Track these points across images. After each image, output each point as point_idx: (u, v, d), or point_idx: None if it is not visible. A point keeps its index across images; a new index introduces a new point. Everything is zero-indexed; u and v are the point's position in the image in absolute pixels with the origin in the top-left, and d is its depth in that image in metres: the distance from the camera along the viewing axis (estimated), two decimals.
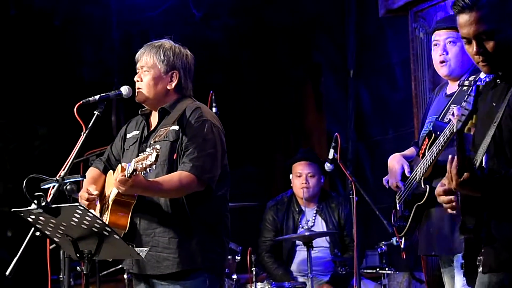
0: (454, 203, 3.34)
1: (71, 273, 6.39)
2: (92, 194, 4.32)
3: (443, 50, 4.53)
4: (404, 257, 4.73)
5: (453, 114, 4.10)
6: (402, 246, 4.66)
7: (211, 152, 4.29)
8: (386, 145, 8.12)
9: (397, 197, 4.65)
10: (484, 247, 3.21)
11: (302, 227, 6.80)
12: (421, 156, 4.45)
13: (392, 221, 4.75)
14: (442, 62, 4.54)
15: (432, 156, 4.31)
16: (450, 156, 3.12)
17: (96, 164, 4.67)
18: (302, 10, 8.73)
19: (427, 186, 4.39)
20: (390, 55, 8.23)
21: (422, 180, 4.42)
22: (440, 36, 4.57)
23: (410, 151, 4.75)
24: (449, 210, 3.38)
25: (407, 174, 4.56)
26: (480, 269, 3.22)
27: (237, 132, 7.18)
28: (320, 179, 7.03)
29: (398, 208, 4.65)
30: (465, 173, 3.06)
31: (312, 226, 6.89)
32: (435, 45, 4.58)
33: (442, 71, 4.56)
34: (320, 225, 6.96)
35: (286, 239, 6.79)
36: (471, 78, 4.33)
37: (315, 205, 7.04)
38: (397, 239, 4.70)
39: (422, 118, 4.74)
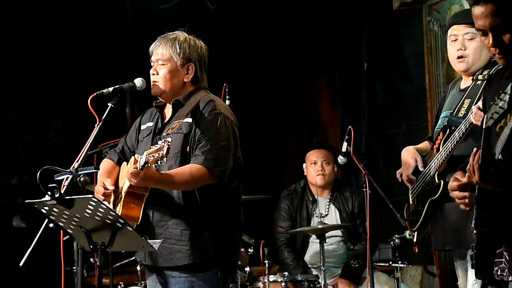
0: (467, 200, 3.29)
1: (85, 265, 6.44)
2: (108, 189, 4.32)
3: (461, 45, 4.46)
4: (417, 251, 4.71)
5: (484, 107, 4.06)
6: (414, 240, 4.64)
7: (224, 145, 4.27)
8: (399, 139, 8.11)
9: (410, 191, 4.63)
10: (507, 249, 3.15)
11: (316, 216, 6.80)
12: (435, 150, 4.42)
13: (405, 215, 4.73)
14: (459, 57, 4.44)
15: (447, 150, 4.27)
16: (475, 149, 3.06)
17: (110, 155, 4.64)
18: (315, 3, 8.72)
19: (441, 180, 4.36)
20: (404, 49, 8.19)
21: (436, 175, 4.39)
22: (458, 31, 4.46)
23: (424, 144, 4.71)
24: (461, 206, 3.34)
25: (420, 168, 4.53)
26: (503, 274, 3.18)
27: (250, 125, 7.18)
28: (334, 167, 7.02)
29: (411, 202, 4.63)
30: (489, 168, 3.00)
31: (326, 216, 6.89)
32: (453, 40, 4.49)
33: (458, 66, 4.47)
34: (334, 214, 6.95)
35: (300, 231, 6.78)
36: (485, 72, 4.30)
37: (329, 194, 7.03)
38: (409, 233, 4.68)
39: (436, 113, 4.69)
